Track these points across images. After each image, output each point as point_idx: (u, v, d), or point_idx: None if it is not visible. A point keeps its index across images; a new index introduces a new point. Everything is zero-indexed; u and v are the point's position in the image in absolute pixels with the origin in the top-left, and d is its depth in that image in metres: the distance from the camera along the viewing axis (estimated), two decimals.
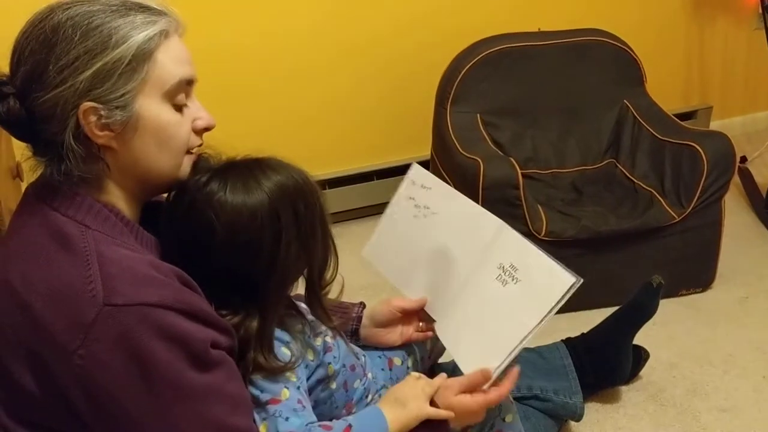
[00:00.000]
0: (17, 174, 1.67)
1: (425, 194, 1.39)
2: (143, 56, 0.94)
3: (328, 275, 1.14)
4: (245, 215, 1.01)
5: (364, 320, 1.39)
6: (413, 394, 1.13)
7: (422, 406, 1.12)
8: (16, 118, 0.92)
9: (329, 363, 1.18)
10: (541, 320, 1.14)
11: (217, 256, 1.02)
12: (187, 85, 1.01)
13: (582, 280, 1.13)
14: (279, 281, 1.06)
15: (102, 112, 0.92)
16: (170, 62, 0.97)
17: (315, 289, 1.13)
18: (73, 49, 0.91)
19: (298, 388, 1.07)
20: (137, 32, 0.93)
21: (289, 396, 1.04)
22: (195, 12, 2.24)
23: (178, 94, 0.99)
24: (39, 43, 0.92)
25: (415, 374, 1.20)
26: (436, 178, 1.40)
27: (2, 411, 0.97)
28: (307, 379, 1.12)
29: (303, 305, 1.20)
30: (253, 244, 1.02)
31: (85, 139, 0.94)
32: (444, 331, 1.31)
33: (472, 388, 1.15)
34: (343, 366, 1.21)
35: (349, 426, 1.07)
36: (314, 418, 1.07)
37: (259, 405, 1.04)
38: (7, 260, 0.98)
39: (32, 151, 0.98)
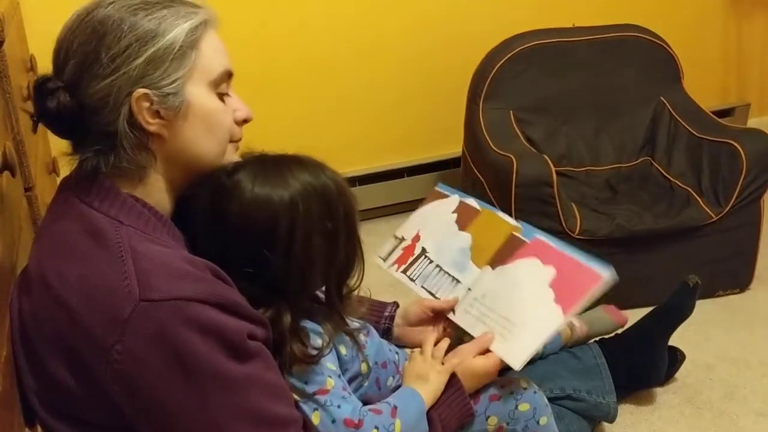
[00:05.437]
0: (53, 169, 1.69)
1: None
2: (191, 44, 0.97)
3: (352, 282, 1.14)
4: (262, 205, 1.03)
5: (397, 319, 1.40)
6: (429, 365, 1.22)
7: (440, 371, 1.21)
8: (68, 112, 0.94)
9: (362, 360, 1.18)
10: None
11: (236, 243, 1.03)
12: (228, 76, 1.04)
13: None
14: (298, 276, 1.06)
15: (154, 98, 0.94)
16: (213, 53, 1.00)
17: (333, 293, 1.13)
18: (123, 38, 0.93)
19: (339, 376, 1.10)
20: (183, 20, 0.97)
21: (334, 385, 1.07)
22: (228, 7, 2.27)
23: (222, 83, 1.02)
24: (87, 35, 0.94)
25: (417, 350, 1.28)
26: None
27: (37, 403, 0.98)
28: (343, 373, 1.13)
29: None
30: (267, 234, 1.03)
31: (136, 128, 0.96)
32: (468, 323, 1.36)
33: (482, 351, 1.27)
34: (375, 363, 1.22)
35: (395, 407, 1.12)
36: (360, 403, 1.10)
37: (306, 396, 1.06)
38: (42, 255, 0.98)
39: (73, 147, 0.99)
